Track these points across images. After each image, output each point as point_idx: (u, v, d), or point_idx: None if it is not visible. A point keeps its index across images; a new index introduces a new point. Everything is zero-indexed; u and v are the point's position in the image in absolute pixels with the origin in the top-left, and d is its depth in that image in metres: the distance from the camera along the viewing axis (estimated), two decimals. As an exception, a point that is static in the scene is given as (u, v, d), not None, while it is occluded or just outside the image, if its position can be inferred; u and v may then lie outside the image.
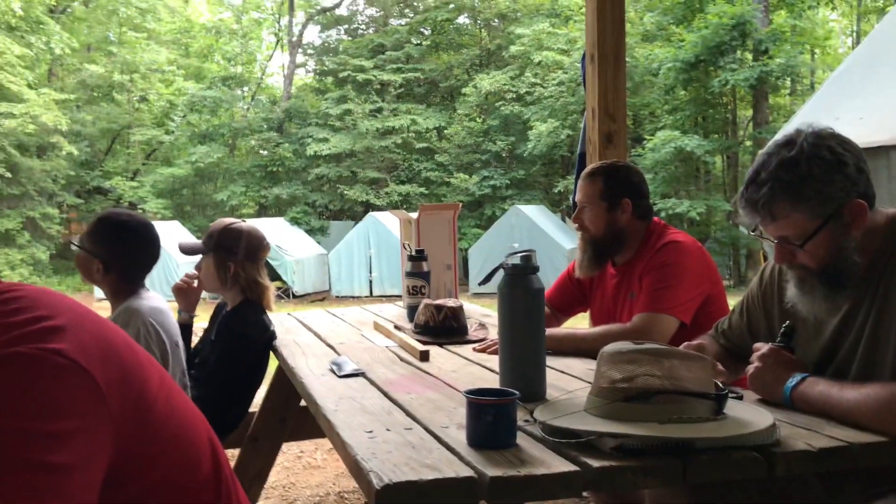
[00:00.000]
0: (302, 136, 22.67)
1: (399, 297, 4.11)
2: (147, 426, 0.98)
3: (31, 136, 18.77)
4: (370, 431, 1.42)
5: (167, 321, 2.33)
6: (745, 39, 17.08)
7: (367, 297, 15.87)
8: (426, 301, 2.58)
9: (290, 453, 4.06)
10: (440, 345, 2.35)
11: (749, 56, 17.60)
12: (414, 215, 3.40)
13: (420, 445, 1.33)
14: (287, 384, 3.10)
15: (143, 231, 2.36)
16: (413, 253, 2.96)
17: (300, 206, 21.63)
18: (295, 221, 20.09)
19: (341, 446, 1.38)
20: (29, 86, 19.27)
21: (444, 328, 2.47)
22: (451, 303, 2.56)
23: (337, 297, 16.38)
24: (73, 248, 2.37)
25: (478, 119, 22.71)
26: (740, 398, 1.52)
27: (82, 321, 0.96)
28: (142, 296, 2.31)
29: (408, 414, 1.55)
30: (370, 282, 16.39)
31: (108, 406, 0.91)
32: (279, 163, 22.55)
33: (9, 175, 18.44)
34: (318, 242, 19.09)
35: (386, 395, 1.73)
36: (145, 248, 2.35)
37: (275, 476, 3.57)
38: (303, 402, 3.20)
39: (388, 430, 1.43)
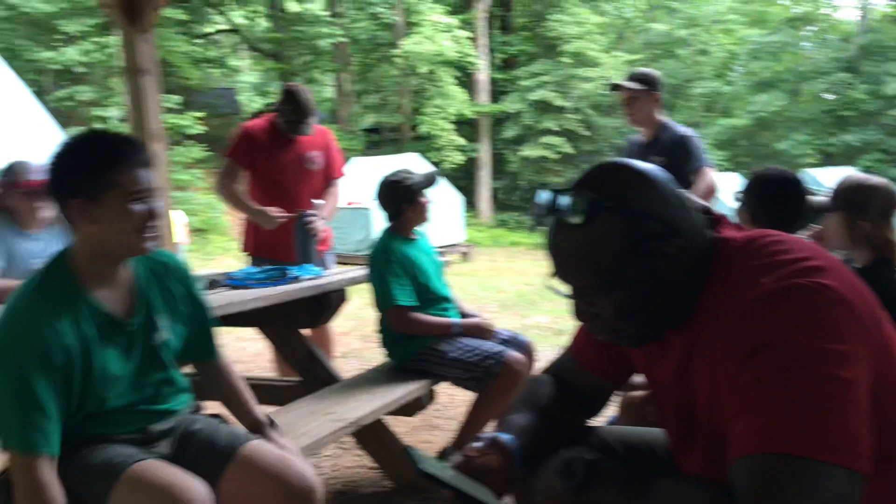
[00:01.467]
0: (879, 74, 20.13)
1: None
2: (887, 362, 1.05)
3: (604, 96, 20.67)
4: None
5: None
6: None
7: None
8: None
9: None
10: None
11: None
12: None
13: None
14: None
15: (788, 187, 2.47)
16: None
17: (874, 154, 19.37)
18: (867, 171, 18.11)
19: None
20: (603, 50, 21.18)
21: None
22: None
23: None
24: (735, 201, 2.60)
25: None
26: None
27: (836, 265, 1.08)
28: None
29: None
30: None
31: (868, 339, 1.02)
32: (850, 106, 20.49)
33: (587, 133, 20.68)
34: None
35: None
36: (791, 204, 2.46)
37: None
38: None
39: None
